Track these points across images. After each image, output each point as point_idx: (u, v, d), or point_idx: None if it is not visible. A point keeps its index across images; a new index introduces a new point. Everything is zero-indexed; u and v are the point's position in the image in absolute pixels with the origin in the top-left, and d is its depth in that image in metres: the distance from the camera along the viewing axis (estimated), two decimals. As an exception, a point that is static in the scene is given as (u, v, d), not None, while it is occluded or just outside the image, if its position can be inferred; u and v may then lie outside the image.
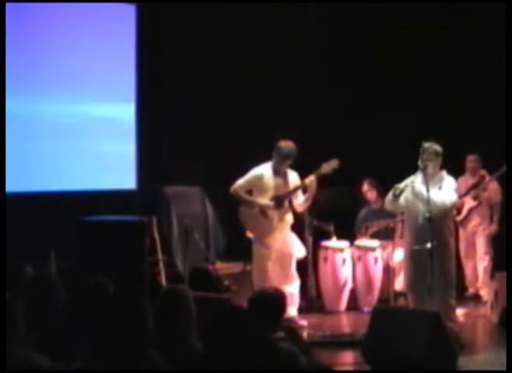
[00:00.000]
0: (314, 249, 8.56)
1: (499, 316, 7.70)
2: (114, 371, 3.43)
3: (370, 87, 9.98)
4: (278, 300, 4.52)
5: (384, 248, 8.73)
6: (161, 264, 7.98)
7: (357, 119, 9.96)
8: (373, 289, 8.67)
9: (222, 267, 8.03)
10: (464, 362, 6.11)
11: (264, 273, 7.62)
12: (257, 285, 7.40)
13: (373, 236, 8.86)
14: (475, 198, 9.04)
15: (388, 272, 8.51)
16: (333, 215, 8.87)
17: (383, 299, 8.57)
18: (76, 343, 3.88)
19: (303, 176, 7.72)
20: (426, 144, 7.16)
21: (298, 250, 7.96)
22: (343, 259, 8.63)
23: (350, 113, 9.96)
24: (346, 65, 9.98)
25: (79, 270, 7.40)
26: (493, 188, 9.04)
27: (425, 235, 6.86)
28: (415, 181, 7.14)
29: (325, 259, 8.68)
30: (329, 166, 7.61)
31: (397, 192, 7.16)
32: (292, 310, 7.62)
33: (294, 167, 7.83)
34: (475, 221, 9.11)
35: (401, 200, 7.21)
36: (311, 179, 7.60)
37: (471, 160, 9.12)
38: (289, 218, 7.81)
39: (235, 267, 8.13)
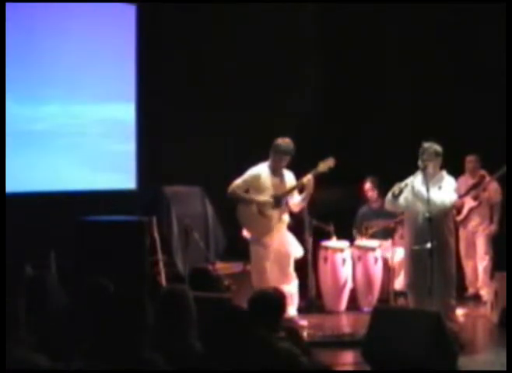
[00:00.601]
0: (314, 249, 8.55)
1: (499, 316, 7.70)
2: (114, 371, 3.43)
3: (370, 87, 9.98)
4: (278, 300, 4.52)
5: (384, 248, 8.73)
6: (161, 264, 7.98)
7: (357, 119, 9.96)
8: (373, 289, 8.67)
9: (222, 267, 8.03)
10: (464, 362, 6.10)
11: (262, 274, 7.61)
12: (256, 285, 7.39)
13: (373, 236, 8.86)
14: (475, 198, 9.04)
15: (388, 272, 8.51)
16: (333, 215, 8.86)
17: (383, 299, 8.57)
18: (76, 343, 3.88)
19: (300, 176, 7.71)
20: (426, 144, 7.16)
21: (296, 250, 7.97)
22: (343, 259, 8.64)
23: (350, 113, 9.95)
24: (346, 65, 9.97)
25: (79, 270, 7.41)
26: (493, 188, 9.04)
27: (425, 235, 6.86)
28: (415, 181, 7.14)
29: (325, 259, 8.68)
30: (326, 165, 7.61)
31: (396, 192, 7.16)
32: (291, 310, 7.62)
33: (293, 166, 7.83)
34: (475, 221, 9.11)
35: (401, 200, 7.20)
36: (309, 178, 7.60)
37: (471, 160, 9.12)
38: (286, 218, 7.82)
39: (235, 267, 8.14)
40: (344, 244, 8.77)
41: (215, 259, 8.34)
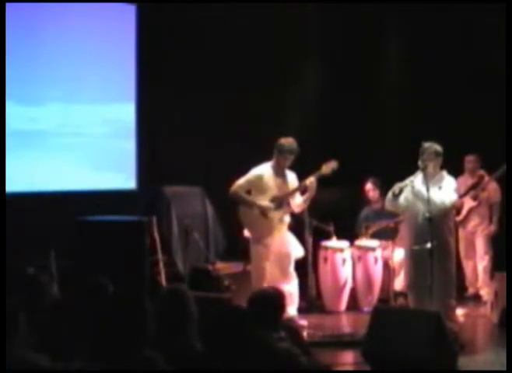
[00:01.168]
0: (314, 249, 8.55)
1: (499, 316, 7.70)
2: (114, 371, 3.43)
3: (371, 87, 9.98)
4: (277, 300, 4.52)
5: (384, 248, 8.73)
6: (161, 264, 7.98)
7: (357, 119, 9.95)
8: (373, 289, 8.66)
9: (222, 267, 8.04)
10: (464, 362, 6.10)
11: (262, 274, 7.61)
12: (256, 285, 7.40)
13: (374, 236, 8.86)
14: (474, 198, 9.04)
15: (388, 272, 8.51)
16: (333, 215, 8.87)
17: (383, 299, 8.56)
18: (76, 343, 3.88)
19: (302, 177, 7.72)
20: (426, 144, 7.16)
21: (296, 250, 7.97)
22: (343, 259, 8.63)
23: (350, 113, 9.95)
24: (347, 65, 9.97)
25: (79, 270, 7.41)
26: (492, 188, 9.04)
27: (425, 235, 6.86)
28: (415, 181, 7.14)
29: (325, 259, 8.68)
30: (328, 167, 7.62)
31: (396, 191, 7.16)
32: (291, 310, 7.62)
33: (294, 167, 7.83)
34: (474, 221, 9.10)
35: (401, 199, 7.20)
36: (311, 180, 7.61)
37: (470, 160, 9.12)
38: (287, 219, 7.82)
39: (235, 267, 8.14)
40: (344, 244, 8.77)
41: (215, 259, 8.34)
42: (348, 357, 6.86)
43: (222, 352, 3.72)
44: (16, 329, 3.67)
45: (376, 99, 10.07)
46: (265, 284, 7.30)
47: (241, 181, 7.73)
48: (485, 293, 8.77)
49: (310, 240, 8.36)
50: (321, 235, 8.81)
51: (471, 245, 9.15)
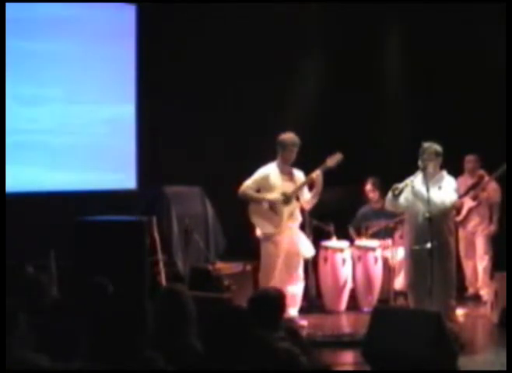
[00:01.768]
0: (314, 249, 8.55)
1: (499, 316, 7.70)
2: (114, 371, 3.43)
3: (371, 86, 9.98)
4: (278, 300, 4.52)
5: (384, 248, 8.73)
6: (161, 264, 7.97)
7: (357, 118, 9.95)
8: (373, 289, 8.67)
9: (222, 267, 8.03)
10: (464, 362, 6.10)
11: (270, 272, 7.63)
12: (262, 283, 7.45)
13: (373, 236, 8.87)
14: (474, 198, 9.05)
15: (388, 272, 8.51)
16: (333, 215, 8.87)
17: (383, 299, 8.57)
18: (76, 343, 3.88)
19: (307, 173, 7.77)
20: (426, 144, 7.16)
21: (306, 250, 7.94)
22: (343, 259, 8.64)
23: (351, 113, 9.95)
24: (347, 64, 9.97)
25: (79, 270, 7.40)
26: (492, 188, 9.04)
27: (425, 235, 6.86)
28: (415, 181, 7.14)
29: (325, 259, 8.68)
30: (333, 160, 7.67)
31: (396, 192, 7.16)
32: (293, 311, 7.63)
33: (293, 165, 7.85)
34: (474, 221, 9.11)
35: (401, 199, 7.21)
36: (317, 173, 7.66)
37: (470, 160, 9.12)
38: (298, 215, 7.83)
39: (235, 267, 8.14)
40: (344, 244, 8.77)
41: (215, 259, 8.34)
42: (348, 357, 6.87)
43: (222, 352, 3.71)
44: (16, 329, 3.67)
45: (376, 99, 10.06)
46: (272, 283, 7.31)
47: (249, 182, 7.77)
48: (485, 293, 8.77)
49: (310, 240, 8.35)
50: (321, 235, 8.81)
51: (471, 245, 9.16)
